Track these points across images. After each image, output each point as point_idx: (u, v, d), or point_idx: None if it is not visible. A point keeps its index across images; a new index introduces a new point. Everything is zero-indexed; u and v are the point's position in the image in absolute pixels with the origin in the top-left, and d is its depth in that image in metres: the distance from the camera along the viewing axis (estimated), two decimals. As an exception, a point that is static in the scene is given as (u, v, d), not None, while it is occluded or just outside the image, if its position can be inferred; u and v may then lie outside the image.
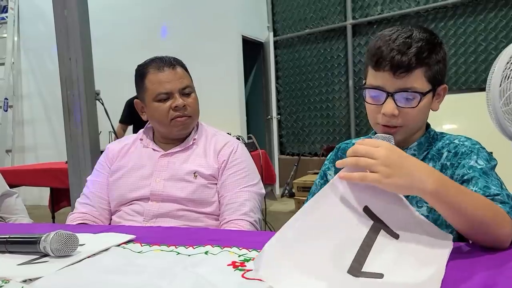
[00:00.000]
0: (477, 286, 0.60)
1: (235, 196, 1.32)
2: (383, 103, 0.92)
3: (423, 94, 0.91)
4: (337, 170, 1.08)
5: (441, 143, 0.99)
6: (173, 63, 1.36)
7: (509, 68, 1.55)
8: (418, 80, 0.90)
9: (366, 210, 0.71)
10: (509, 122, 1.60)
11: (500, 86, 1.57)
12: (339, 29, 5.15)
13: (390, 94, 0.90)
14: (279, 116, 5.68)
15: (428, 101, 0.94)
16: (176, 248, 0.87)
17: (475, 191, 0.83)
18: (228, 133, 1.53)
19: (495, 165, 0.93)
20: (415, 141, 0.99)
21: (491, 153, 1.05)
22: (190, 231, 1.08)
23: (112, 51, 4.92)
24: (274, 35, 5.60)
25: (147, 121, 1.46)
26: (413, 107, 0.91)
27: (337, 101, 5.26)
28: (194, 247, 0.87)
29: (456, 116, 3.05)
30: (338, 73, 5.22)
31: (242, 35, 5.13)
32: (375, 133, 1.01)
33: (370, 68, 0.94)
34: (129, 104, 3.87)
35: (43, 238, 0.83)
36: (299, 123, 5.60)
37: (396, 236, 0.69)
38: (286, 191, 5.15)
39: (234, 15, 5.05)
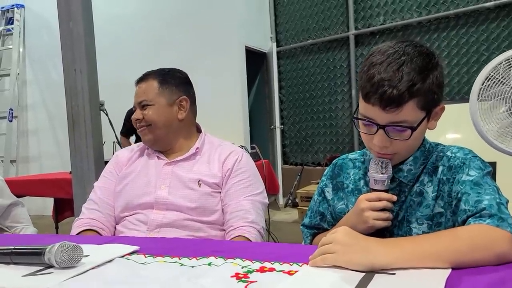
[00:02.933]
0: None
1: (240, 204, 1.32)
2: (375, 133, 0.90)
3: (415, 128, 0.88)
4: (335, 187, 1.10)
5: (435, 155, 0.97)
6: (144, 77, 1.44)
7: (484, 88, 1.68)
8: (410, 112, 0.86)
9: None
10: (488, 132, 1.68)
11: (478, 99, 1.68)
12: (341, 39, 5.18)
13: (381, 127, 0.88)
14: (282, 126, 5.69)
15: (423, 126, 0.91)
16: (180, 259, 0.87)
17: (468, 209, 0.83)
18: (232, 143, 1.53)
19: (489, 172, 0.91)
20: (411, 155, 0.97)
21: (495, 162, 1.04)
22: (193, 242, 1.08)
23: (116, 62, 4.97)
24: (277, 46, 5.64)
25: None
26: (404, 140, 0.89)
27: (340, 111, 5.27)
28: (198, 258, 0.87)
29: (459, 125, 3.04)
30: (341, 83, 5.24)
31: (245, 46, 5.16)
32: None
33: (361, 96, 0.91)
34: (127, 115, 3.93)
35: (47, 249, 0.83)
36: (302, 133, 5.60)
37: (393, 274, 0.69)
38: (290, 201, 5.13)
39: (237, 26, 5.09)
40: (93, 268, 0.84)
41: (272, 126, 5.60)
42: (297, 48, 5.54)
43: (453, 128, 3.06)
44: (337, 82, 5.27)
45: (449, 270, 0.69)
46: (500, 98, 1.65)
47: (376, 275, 0.69)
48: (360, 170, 1.06)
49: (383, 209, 0.90)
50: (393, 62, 0.85)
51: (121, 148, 3.43)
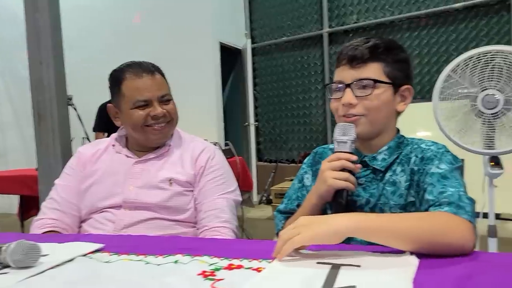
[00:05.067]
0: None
1: (214, 203, 1.30)
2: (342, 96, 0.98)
3: (376, 81, 0.96)
4: (314, 174, 1.12)
5: (409, 147, 1.02)
6: (151, 69, 1.32)
7: (445, 87, 1.81)
8: (375, 72, 0.97)
9: (320, 263, 0.73)
10: (446, 127, 1.84)
11: (440, 98, 1.82)
12: (315, 37, 5.20)
13: (347, 85, 0.98)
14: (256, 122, 5.67)
15: (389, 95, 0.99)
16: (145, 257, 0.84)
17: (431, 199, 0.87)
18: (205, 140, 1.50)
19: (459, 166, 0.95)
20: (385, 145, 1.02)
21: (462, 160, 1.06)
22: (160, 240, 1.05)
23: (86, 55, 4.84)
24: (252, 42, 5.61)
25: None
26: (368, 94, 0.96)
27: (314, 108, 5.30)
28: (164, 256, 0.84)
29: (429, 123, 3.10)
30: (315, 80, 5.27)
31: (220, 42, 5.12)
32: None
33: (335, 68, 1.03)
34: (100, 110, 3.79)
35: (3, 248, 0.80)
36: (277, 130, 5.61)
37: (358, 266, 0.71)
38: (264, 198, 5.13)
39: (212, 21, 5.04)
40: (52, 268, 0.80)
41: (247, 123, 5.58)
42: (271, 45, 5.53)
43: (424, 126, 3.11)
44: (311, 79, 5.30)
45: (417, 263, 0.69)
46: (458, 98, 1.78)
47: (341, 269, 0.69)
48: None
49: (343, 170, 0.94)
50: (363, 39, 1.01)
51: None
